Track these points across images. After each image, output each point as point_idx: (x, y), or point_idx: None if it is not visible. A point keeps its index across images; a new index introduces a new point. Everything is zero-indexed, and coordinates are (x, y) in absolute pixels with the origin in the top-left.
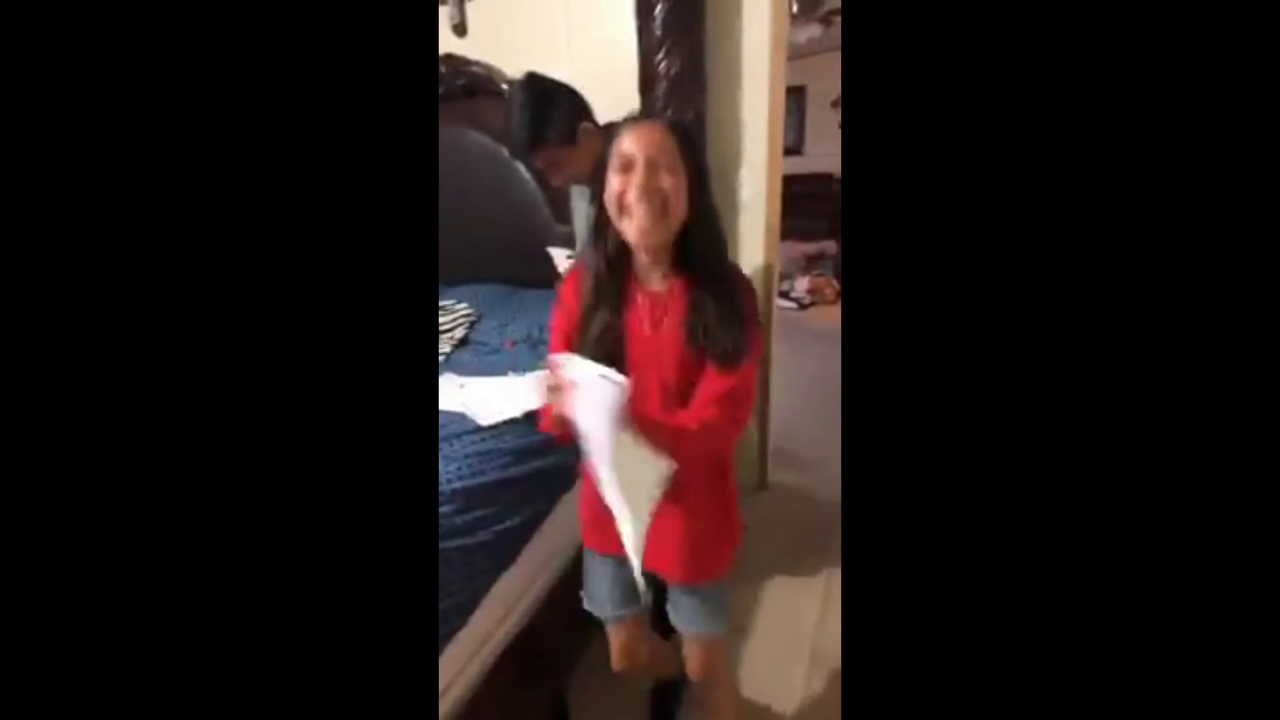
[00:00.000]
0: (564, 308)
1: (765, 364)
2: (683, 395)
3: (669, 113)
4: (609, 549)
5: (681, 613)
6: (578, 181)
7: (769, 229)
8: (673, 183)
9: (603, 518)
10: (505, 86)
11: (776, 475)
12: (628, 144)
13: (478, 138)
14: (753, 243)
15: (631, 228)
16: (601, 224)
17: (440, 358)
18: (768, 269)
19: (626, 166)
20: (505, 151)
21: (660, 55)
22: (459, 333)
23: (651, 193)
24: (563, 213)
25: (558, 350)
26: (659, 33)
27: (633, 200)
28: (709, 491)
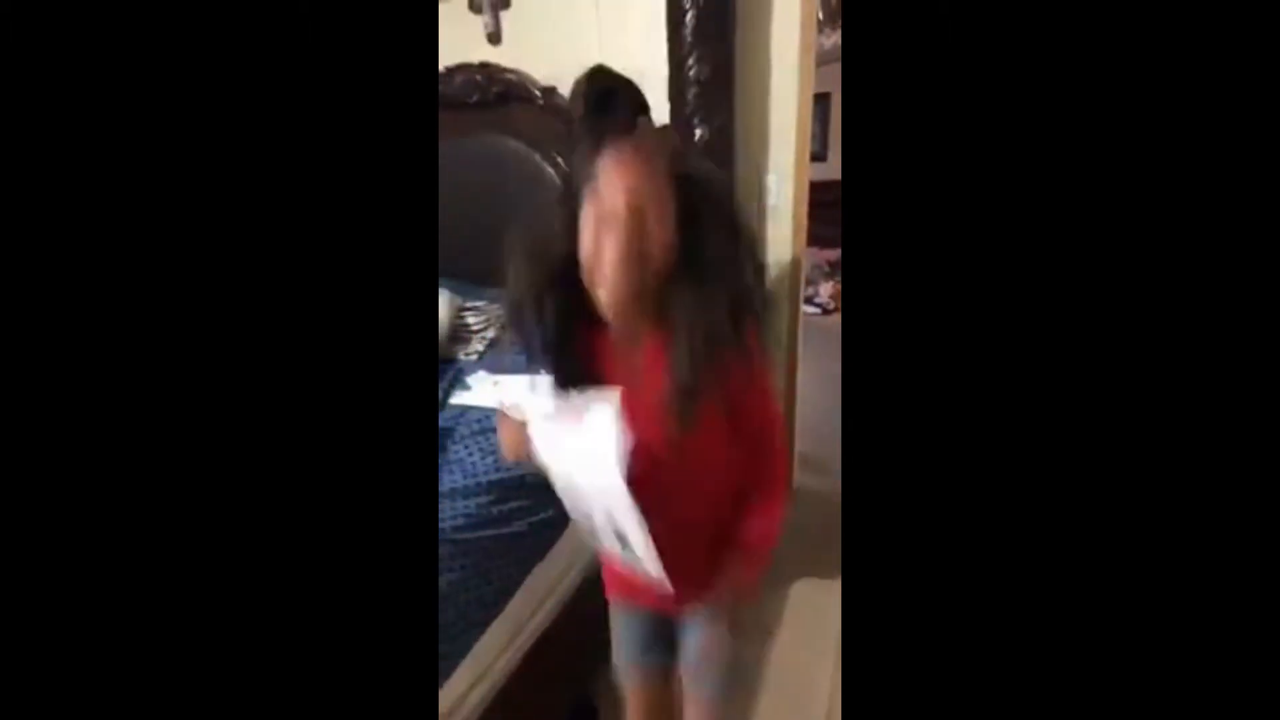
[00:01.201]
0: None
1: (790, 370)
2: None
3: (698, 118)
4: (627, 602)
5: (701, 667)
6: None
7: (796, 234)
8: (660, 236)
9: (620, 573)
10: (538, 93)
11: (802, 479)
12: (610, 194)
13: (512, 144)
14: (780, 247)
15: (602, 299)
16: (554, 269)
17: (473, 356)
18: (794, 274)
19: (605, 220)
20: (537, 156)
21: (690, 62)
22: (491, 333)
23: (630, 261)
24: None
25: None
26: (689, 40)
27: (606, 273)
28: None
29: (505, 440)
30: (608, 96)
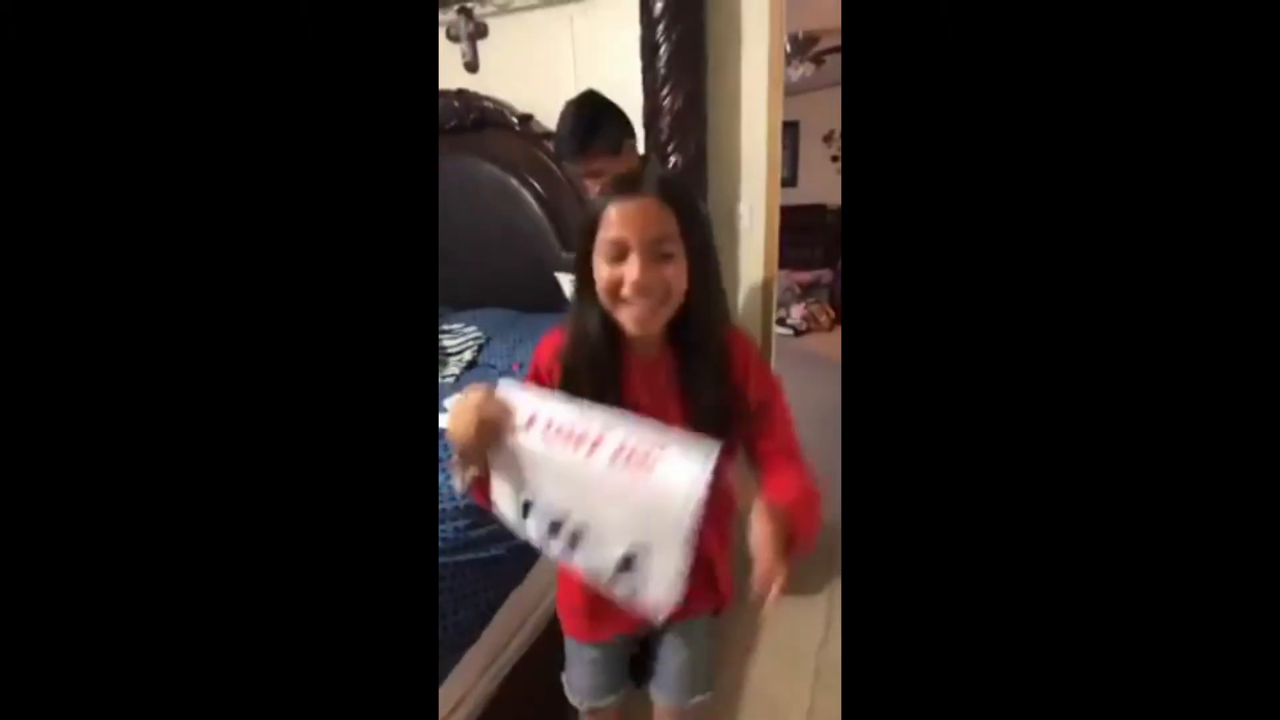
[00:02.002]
0: (541, 375)
1: None
2: None
3: (672, 146)
4: (594, 637)
5: (674, 679)
6: None
7: (768, 256)
8: (674, 270)
9: (588, 605)
10: (515, 120)
11: None
12: (618, 228)
13: (488, 168)
14: (752, 269)
15: (628, 318)
16: (585, 301)
17: (450, 379)
18: (766, 295)
19: (619, 255)
20: (513, 181)
21: (664, 92)
22: (468, 355)
23: (650, 288)
24: (567, 240)
25: None
26: (663, 71)
27: (629, 295)
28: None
29: (465, 430)
30: (597, 118)
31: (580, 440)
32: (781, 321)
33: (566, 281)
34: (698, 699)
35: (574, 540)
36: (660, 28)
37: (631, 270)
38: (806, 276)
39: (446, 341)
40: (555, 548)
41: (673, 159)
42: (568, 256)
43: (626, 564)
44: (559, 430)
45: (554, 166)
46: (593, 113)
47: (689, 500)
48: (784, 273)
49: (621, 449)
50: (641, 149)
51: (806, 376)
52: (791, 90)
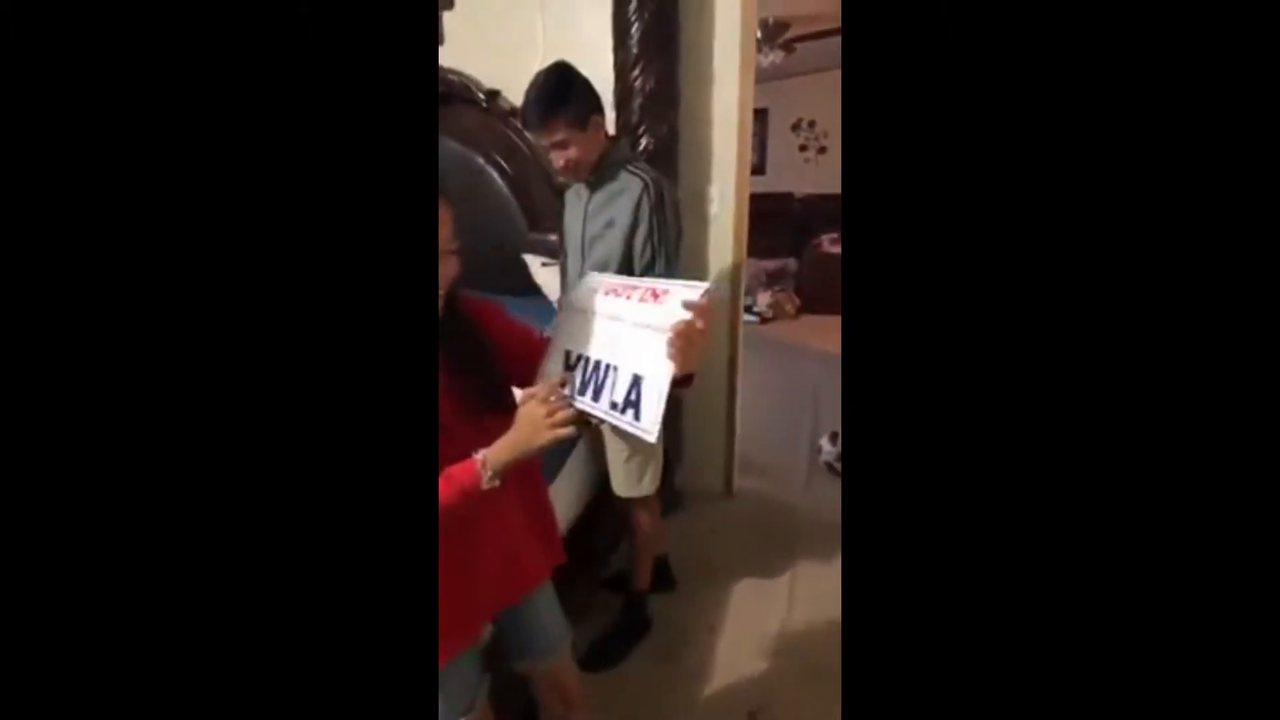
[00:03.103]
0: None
1: (731, 374)
2: None
3: (642, 128)
4: (468, 639)
5: (524, 638)
6: (576, 169)
7: (736, 242)
8: (448, 267)
9: (461, 606)
10: (481, 95)
11: (742, 482)
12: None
13: (452, 144)
14: (721, 255)
15: None
16: None
17: None
18: (734, 281)
19: None
20: (479, 159)
21: (635, 73)
22: None
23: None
24: (535, 219)
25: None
26: (635, 51)
27: None
28: (523, 488)
29: None
30: (565, 89)
31: (625, 293)
32: (748, 309)
33: (535, 263)
34: (565, 646)
35: (600, 380)
36: (632, 6)
37: None
38: (773, 264)
39: None
40: (587, 390)
41: (643, 141)
42: (536, 237)
43: (633, 386)
44: (614, 288)
45: (521, 144)
46: (561, 82)
47: (675, 318)
48: (751, 260)
49: (646, 291)
50: (612, 130)
51: (772, 363)
52: (761, 77)
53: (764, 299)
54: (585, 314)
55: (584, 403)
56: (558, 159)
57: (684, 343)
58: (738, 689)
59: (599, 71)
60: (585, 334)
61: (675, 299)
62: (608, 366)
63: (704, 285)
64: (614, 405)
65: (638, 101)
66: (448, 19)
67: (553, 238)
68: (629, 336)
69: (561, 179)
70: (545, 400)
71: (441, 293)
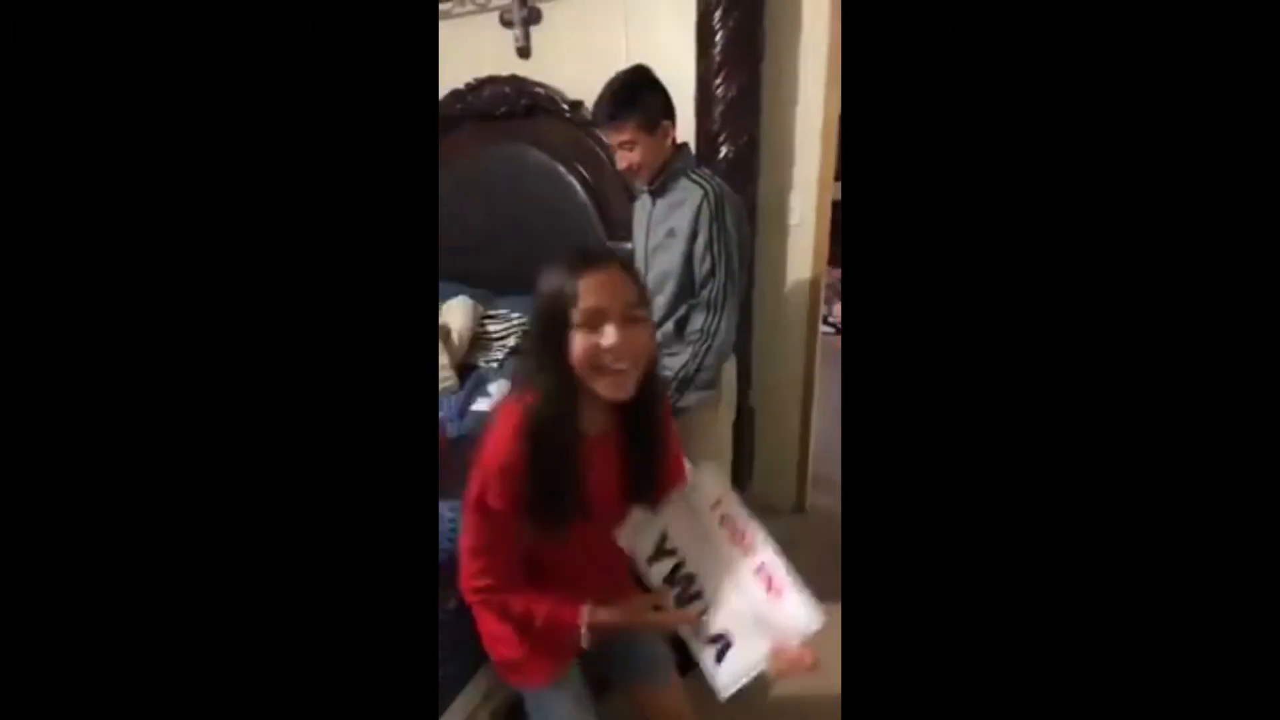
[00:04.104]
0: (506, 460)
1: (806, 389)
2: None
3: (723, 136)
4: (560, 670)
5: (639, 664)
6: (638, 172)
7: (817, 254)
8: (645, 333)
9: (543, 642)
10: (565, 106)
11: (815, 498)
12: (593, 297)
13: (537, 154)
14: (800, 267)
15: (608, 386)
16: (551, 379)
17: (494, 364)
18: (813, 294)
19: (594, 323)
20: (561, 168)
21: (718, 80)
22: (512, 340)
23: (630, 352)
24: (613, 228)
25: (500, 510)
26: (718, 59)
27: (609, 362)
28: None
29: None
30: (638, 91)
31: (739, 538)
32: (824, 320)
33: None
34: (674, 679)
35: (689, 597)
36: (717, 15)
37: (610, 336)
38: None
39: (491, 327)
40: (670, 593)
41: (723, 149)
42: (613, 245)
43: (717, 640)
44: (728, 519)
45: (602, 154)
46: (636, 84)
47: (795, 634)
48: (827, 269)
49: (763, 567)
50: (693, 139)
51: None
52: None
53: (840, 310)
54: (698, 525)
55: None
56: (622, 160)
57: (787, 669)
58: (800, 710)
59: (681, 79)
60: (696, 551)
61: (791, 605)
62: (709, 601)
63: (819, 617)
64: (702, 638)
65: (719, 110)
66: (535, 32)
67: (628, 246)
68: (738, 600)
69: (632, 181)
70: (663, 605)
71: (640, 370)
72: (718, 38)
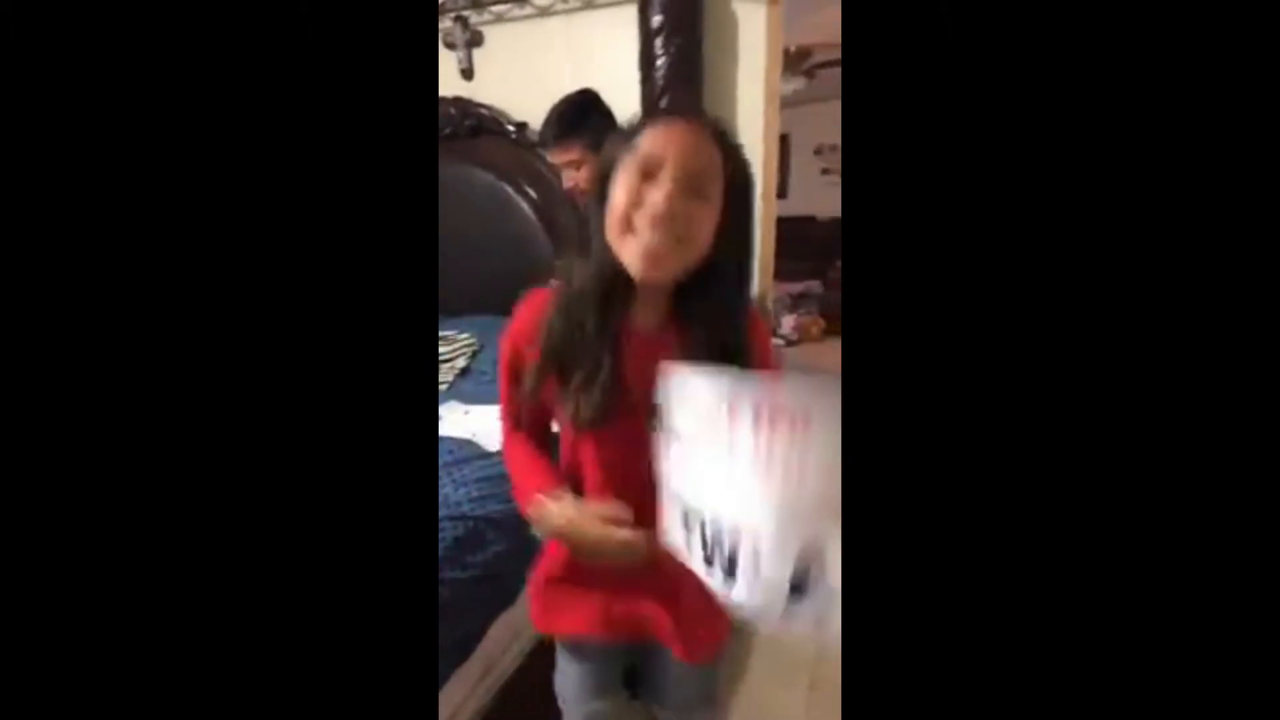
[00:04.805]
0: (521, 340)
1: None
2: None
3: None
4: (610, 636)
5: (674, 696)
6: (586, 192)
7: (763, 268)
8: (700, 211)
9: (569, 596)
10: (511, 128)
11: None
12: (655, 144)
13: (482, 175)
14: None
15: (634, 252)
16: (592, 243)
17: (443, 386)
18: (761, 307)
19: (648, 173)
20: (508, 188)
21: (661, 103)
22: (460, 362)
23: (673, 219)
24: (561, 246)
25: (507, 400)
26: (660, 83)
27: (644, 223)
28: None
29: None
30: (585, 112)
31: (715, 423)
32: (773, 333)
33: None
34: (700, 716)
35: (730, 564)
36: (658, 40)
37: (657, 192)
38: (797, 287)
39: (440, 348)
40: (715, 578)
41: None
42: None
43: (798, 586)
44: (694, 434)
45: (548, 175)
46: (582, 106)
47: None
48: (774, 283)
49: (760, 411)
50: None
51: None
52: (783, 104)
53: (789, 323)
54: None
55: (699, 568)
56: (568, 179)
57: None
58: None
59: (625, 103)
60: (708, 484)
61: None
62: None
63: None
64: (708, 561)
65: None
66: (477, 55)
67: None
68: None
69: (579, 202)
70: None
71: (691, 256)
72: (659, 61)
